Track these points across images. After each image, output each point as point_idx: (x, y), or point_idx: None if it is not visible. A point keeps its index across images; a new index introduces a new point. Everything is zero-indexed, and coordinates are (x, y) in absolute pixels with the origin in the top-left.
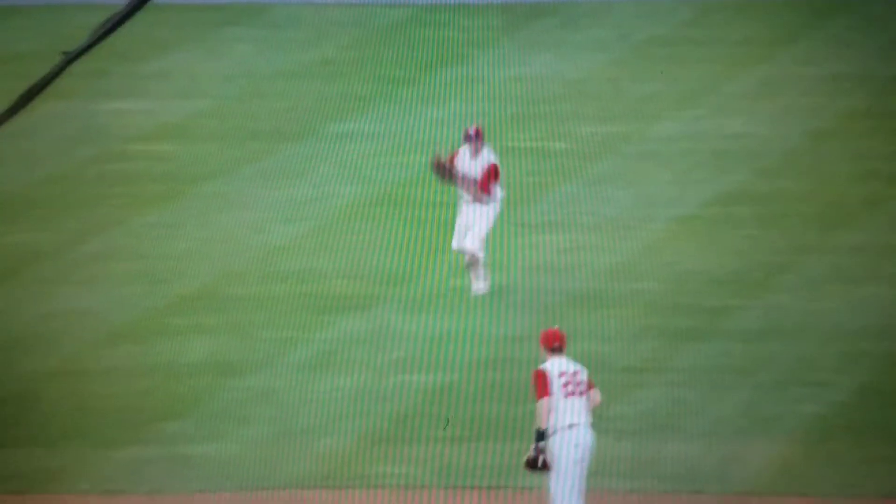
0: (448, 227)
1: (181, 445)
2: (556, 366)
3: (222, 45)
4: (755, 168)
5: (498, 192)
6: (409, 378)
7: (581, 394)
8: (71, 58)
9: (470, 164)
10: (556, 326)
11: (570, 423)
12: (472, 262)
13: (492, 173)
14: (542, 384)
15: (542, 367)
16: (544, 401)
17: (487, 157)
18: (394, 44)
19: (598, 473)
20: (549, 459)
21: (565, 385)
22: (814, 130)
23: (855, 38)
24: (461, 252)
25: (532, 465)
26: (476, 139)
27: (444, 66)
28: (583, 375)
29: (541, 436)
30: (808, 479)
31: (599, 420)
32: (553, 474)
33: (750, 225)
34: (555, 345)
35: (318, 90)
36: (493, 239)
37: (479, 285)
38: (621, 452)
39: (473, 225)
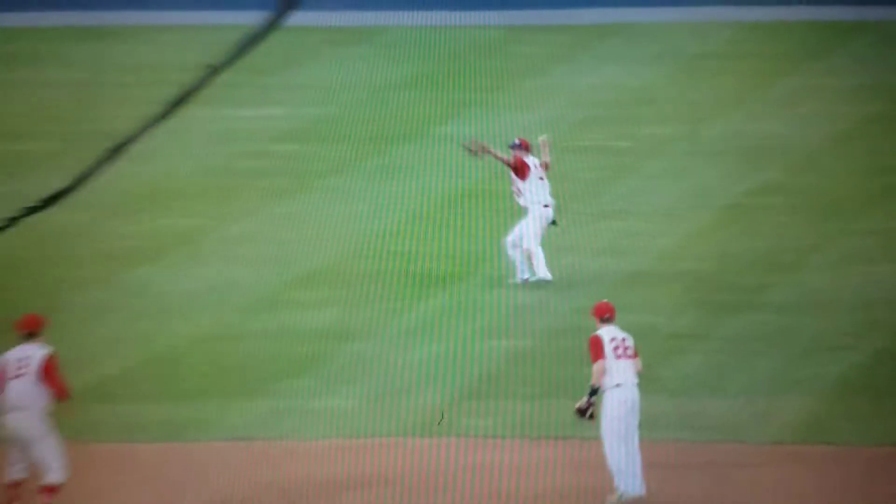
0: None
1: (304, 399)
2: (608, 333)
3: (344, 61)
4: (786, 164)
5: (531, 196)
6: (492, 343)
7: (629, 357)
8: (216, 69)
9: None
10: (606, 300)
11: (618, 383)
12: (525, 257)
13: (514, 168)
14: (597, 349)
15: (596, 333)
16: (599, 363)
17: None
18: (484, 59)
19: (648, 426)
20: (596, 412)
21: (615, 349)
22: (836, 133)
23: (873, 53)
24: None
25: (582, 413)
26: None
27: (526, 77)
28: (630, 342)
29: (594, 392)
30: (831, 431)
31: (648, 380)
32: (604, 426)
33: (782, 213)
34: (606, 315)
35: (422, 98)
36: (565, 226)
37: (541, 273)
38: (668, 408)
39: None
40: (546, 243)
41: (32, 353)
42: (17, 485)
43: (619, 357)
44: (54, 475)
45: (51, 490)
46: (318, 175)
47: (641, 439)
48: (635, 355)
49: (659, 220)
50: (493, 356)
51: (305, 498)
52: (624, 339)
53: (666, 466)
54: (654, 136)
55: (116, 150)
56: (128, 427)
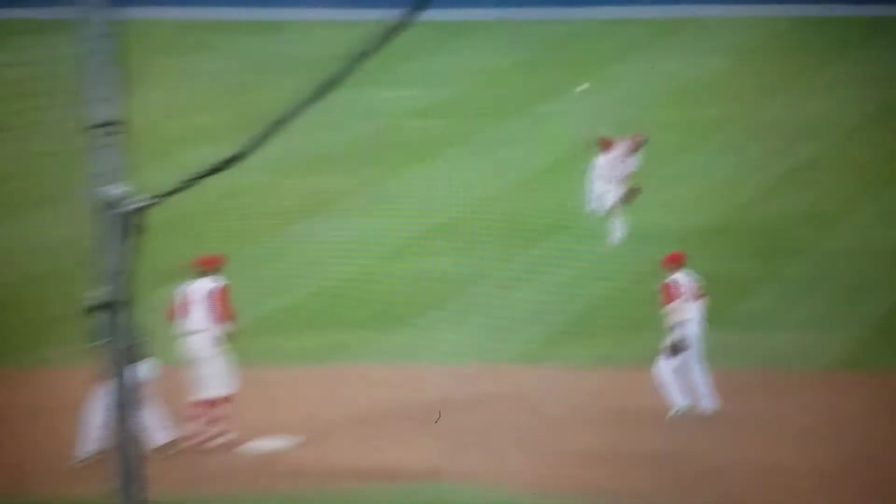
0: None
1: (432, 331)
2: (680, 278)
3: (464, 50)
4: (828, 139)
5: (621, 170)
6: (586, 287)
7: (696, 299)
8: (364, 56)
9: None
10: (678, 250)
11: (688, 319)
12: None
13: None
14: (671, 292)
15: (669, 279)
16: (673, 304)
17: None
18: (571, 48)
19: (721, 356)
20: (680, 346)
21: (686, 292)
22: (870, 113)
23: None
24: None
25: (674, 349)
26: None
27: (606, 65)
28: (696, 285)
29: (672, 329)
30: (876, 358)
31: (720, 317)
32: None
33: (828, 178)
34: (678, 263)
35: (523, 81)
36: (647, 187)
37: (619, 230)
38: (738, 341)
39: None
40: (633, 204)
41: (210, 286)
42: (209, 403)
43: (688, 300)
44: (217, 390)
45: (211, 404)
46: (444, 145)
47: (715, 368)
48: (701, 296)
49: (724, 184)
50: (586, 297)
51: (433, 412)
52: (692, 283)
53: (736, 390)
54: (713, 116)
55: (280, 123)
56: (290, 353)
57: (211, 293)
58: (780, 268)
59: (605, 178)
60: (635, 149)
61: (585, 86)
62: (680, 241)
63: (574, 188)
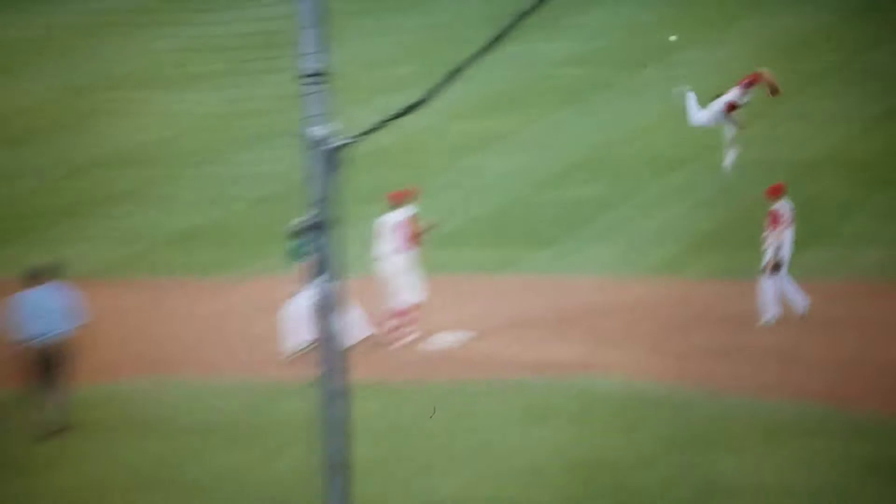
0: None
1: (581, 248)
2: (782, 206)
3: (611, 6)
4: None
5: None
6: (708, 210)
7: (789, 224)
8: (525, 15)
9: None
10: (781, 181)
11: (785, 241)
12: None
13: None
14: (775, 218)
15: (774, 207)
16: (778, 228)
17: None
18: (707, 5)
19: (813, 270)
20: (777, 263)
21: (786, 218)
22: None
23: None
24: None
25: (774, 267)
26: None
27: (735, 21)
28: (793, 212)
29: (772, 249)
30: None
31: (820, 237)
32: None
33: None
34: (780, 193)
35: (665, 33)
36: (761, 129)
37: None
38: (837, 257)
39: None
40: (743, 137)
41: (400, 216)
42: (400, 310)
43: (788, 224)
44: (407, 299)
45: (402, 313)
46: (592, 90)
47: (814, 279)
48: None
49: (827, 123)
50: (708, 219)
51: (580, 316)
52: (790, 210)
53: (831, 298)
54: (822, 65)
55: (456, 73)
56: (464, 265)
57: (402, 222)
58: (872, 194)
59: (721, 116)
60: (749, 85)
61: (674, 38)
62: (788, 171)
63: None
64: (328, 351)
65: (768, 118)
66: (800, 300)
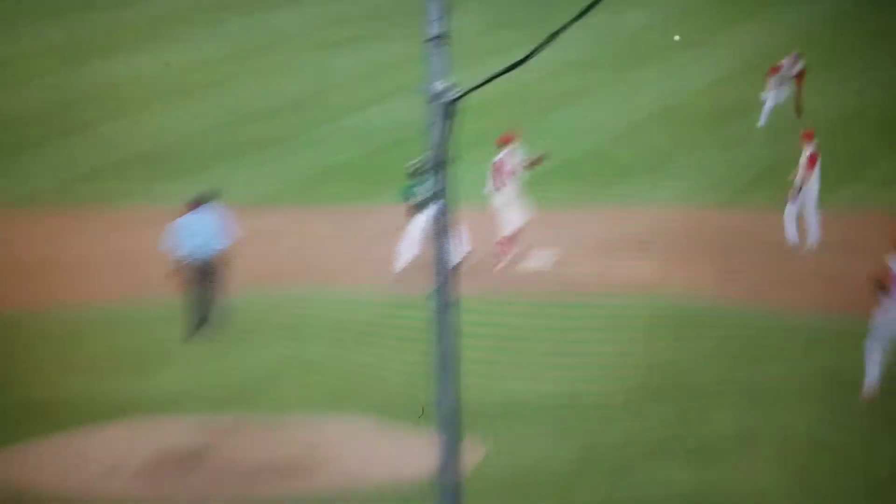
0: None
1: (656, 183)
2: (810, 148)
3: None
4: None
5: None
6: (763, 151)
7: (816, 162)
8: (577, 17)
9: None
10: (811, 128)
11: (813, 178)
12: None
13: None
14: (811, 160)
15: (808, 150)
16: (809, 170)
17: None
18: None
19: (840, 204)
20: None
21: (816, 158)
22: None
23: None
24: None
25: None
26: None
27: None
28: (819, 152)
29: (800, 184)
30: None
31: (846, 177)
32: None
33: None
34: (811, 137)
35: (706, 18)
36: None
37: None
38: (857, 193)
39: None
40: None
41: (503, 156)
42: (504, 238)
43: (815, 164)
44: (509, 228)
45: (507, 238)
46: (667, 52)
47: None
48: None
49: (862, 85)
50: (758, 161)
51: (653, 241)
52: (817, 151)
53: (852, 226)
54: (854, 41)
55: (553, 36)
56: (554, 198)
57: (503, 161)
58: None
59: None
60: (794, 63)
61: (677, 38)
62: (826, 121)
63: (759, 86)
64: (441, 267)
65: (812, 82)
66: (815, 234)
